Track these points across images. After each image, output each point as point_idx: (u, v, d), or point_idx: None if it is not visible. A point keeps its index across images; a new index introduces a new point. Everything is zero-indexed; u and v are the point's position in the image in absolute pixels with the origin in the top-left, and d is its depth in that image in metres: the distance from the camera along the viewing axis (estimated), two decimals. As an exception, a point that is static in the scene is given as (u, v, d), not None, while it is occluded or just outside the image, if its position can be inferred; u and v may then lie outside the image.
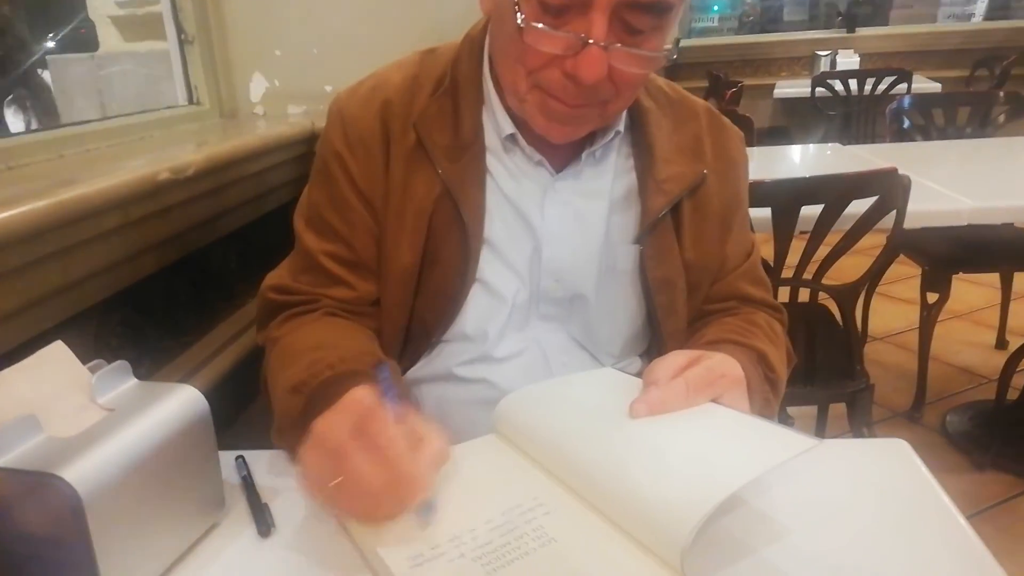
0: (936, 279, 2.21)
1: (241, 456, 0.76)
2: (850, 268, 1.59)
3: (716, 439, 0.62)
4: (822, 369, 1.54)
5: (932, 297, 2.24)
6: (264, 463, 0.76)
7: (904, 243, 2.17)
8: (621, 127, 0.85)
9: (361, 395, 0.61)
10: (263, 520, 0.66)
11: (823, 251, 1.52)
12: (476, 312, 0.84)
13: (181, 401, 0.63)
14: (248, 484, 0.71)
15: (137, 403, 0.61)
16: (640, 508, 0.57)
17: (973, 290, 3.09)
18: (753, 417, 0.65)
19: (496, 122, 0.83)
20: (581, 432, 0.66)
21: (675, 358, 0.70)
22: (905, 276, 3.11)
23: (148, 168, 0.86)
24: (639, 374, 0.74)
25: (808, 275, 1.54)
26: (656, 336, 0.89)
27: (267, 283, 0.87)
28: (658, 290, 0.86)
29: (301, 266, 0.86)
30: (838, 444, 0.71)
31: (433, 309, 0.84)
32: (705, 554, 0.58)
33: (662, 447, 0.62)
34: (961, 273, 2.24)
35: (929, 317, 2.23)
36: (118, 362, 0.63)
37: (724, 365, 0.69)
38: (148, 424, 0.59)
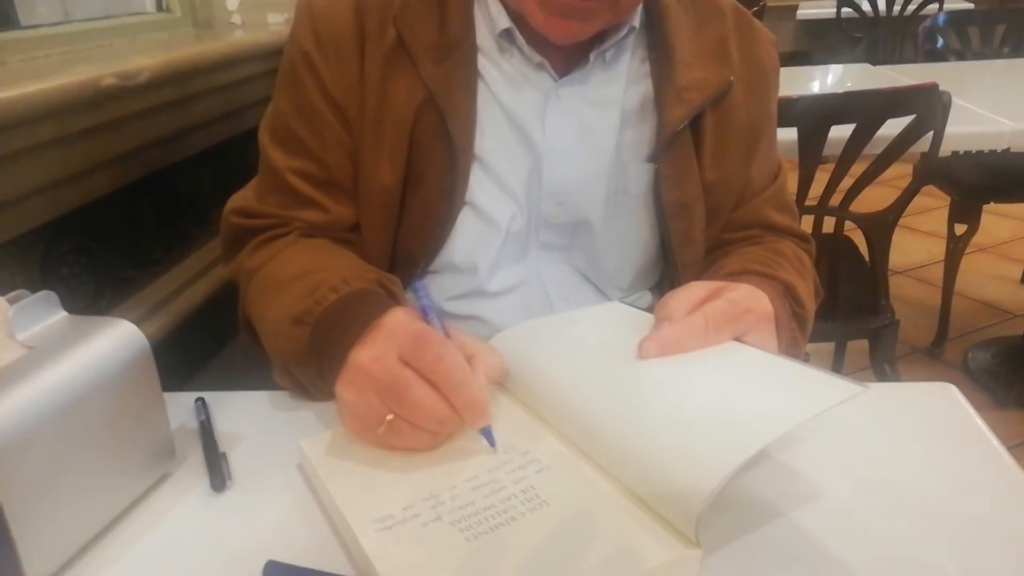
0: (965, 209, 2.09)
1: (201, 398, 0.68)
2: (873, 200, 1.47)
3: (742, 383, 0.53)
4: (845, 304, 1.44)
5: (960, 229, 2.12)
6: (230, 406, 0.68)
7: (932, 171, 2.05)
8: (636, 22, 0.73)
9: (402, 318, 0.56)
10: (218, 472, 0.58)
11: (847, 182, 1.41)
12: (465, 240, 0.74)
13: (116, 337, 0.54)
14: (205, 430, 0.63)
15: (63, 340, 0.52)
16: (649, 465, 0.48)
17: (999, 222, 2.96)
18: (785, 358, 0.56)
19: (490, 17, 0.72)
20: (582, 375, 0.57)
21: (692, 290, 0.60)
22: (928, 208, 2.98)
23: (88, 73, 0.75)
24: (650, 309, 0.64)
25: (833, 204, 1.43)
26: (669, 267, 0.79)
27: (230, 206, 0.78)
28: (674, 215, 0.75)
29: (267, 186, 0.76)
30: (879, 389, 0.62)
31: (418, 236, 0.74)
32: (723, 519, 0.50)
33: (677, 393, 0.53)
34: (992, 203, 2.12)
35: (956, 250, 2.12)
36: (42, 292, 0.54)
37: (750, 298, 0.59)
38: (75, 364, 0.50)
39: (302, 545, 0.50)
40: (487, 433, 0.54)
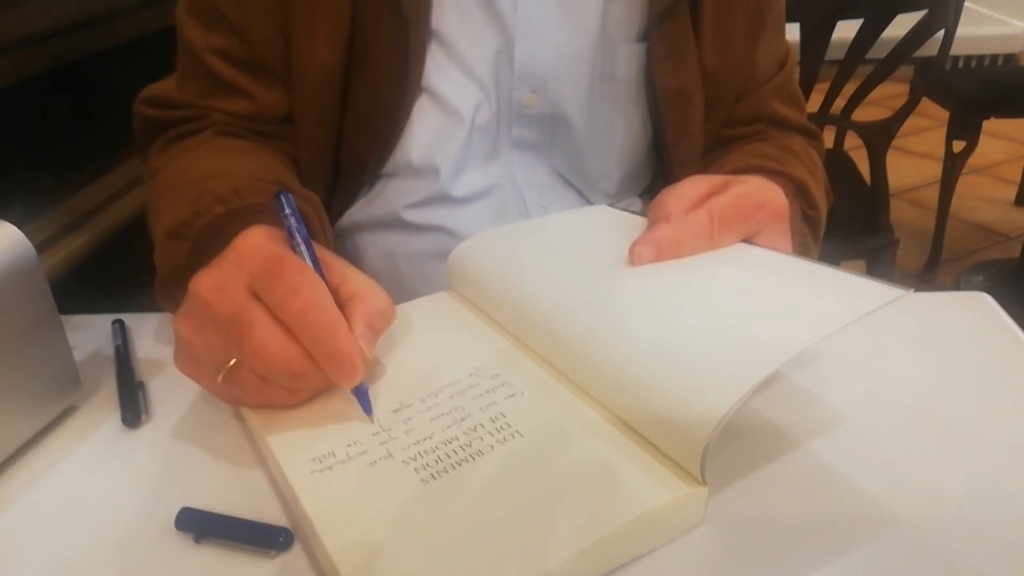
0: (965, 124, 1.99)
1: (119, 320, 0.58)
2: (868, 118, 1.37)
3: (755, 291, 0.44)
4: (843, 222, 1.36)
5: (958, 146, 2.03)
6: (154, 329, 0.59)
7: (932, 84, 1.95)
8: None
9: (258, 238, 0.42)
10: (132, 405, 0.48)
11: (847, 91, 1.30)
12: (423, 135, 0.64)
13: (-10, 243, 0.44)
14: (120, 357, 0.54)
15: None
16: (645, 388, 0.39)
17: (992, 143, 2.87)
18: (805, 260, 0.47)
19: None
20: (563, 285, 0.48)
21: (693, 184, 0.50)
22: (922, 128, 2.88)
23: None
24: (643, 214, 0.55)
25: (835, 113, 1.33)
26: (663, 168, 0.70)
27: (143, 95, 0.66)
28: (669, 104, 0.66)
29: (185, 71, 0.65)
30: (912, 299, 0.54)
31: (366, 129, 0.64)
32: (730, 450, 0.42)
33: (677, 303, 0.44)
34: (993, 118, 2.02)
35: (953, 168, 2.03)
36: None
37: (762, 192, 0.50)
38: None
39: (227, 490, 0.42)
40: (361, 396, 0.42)
